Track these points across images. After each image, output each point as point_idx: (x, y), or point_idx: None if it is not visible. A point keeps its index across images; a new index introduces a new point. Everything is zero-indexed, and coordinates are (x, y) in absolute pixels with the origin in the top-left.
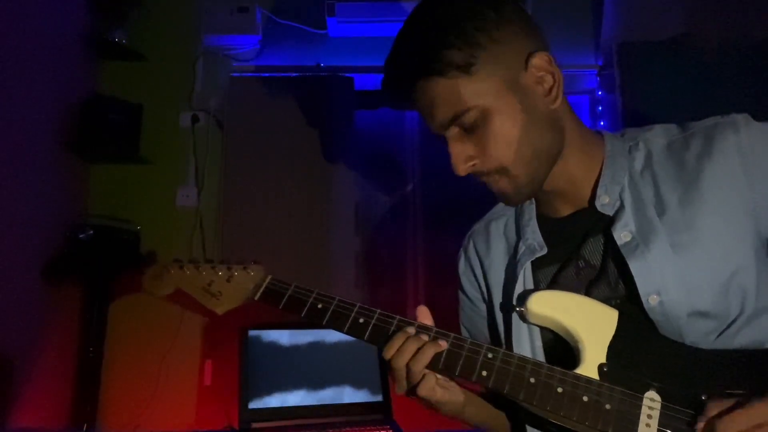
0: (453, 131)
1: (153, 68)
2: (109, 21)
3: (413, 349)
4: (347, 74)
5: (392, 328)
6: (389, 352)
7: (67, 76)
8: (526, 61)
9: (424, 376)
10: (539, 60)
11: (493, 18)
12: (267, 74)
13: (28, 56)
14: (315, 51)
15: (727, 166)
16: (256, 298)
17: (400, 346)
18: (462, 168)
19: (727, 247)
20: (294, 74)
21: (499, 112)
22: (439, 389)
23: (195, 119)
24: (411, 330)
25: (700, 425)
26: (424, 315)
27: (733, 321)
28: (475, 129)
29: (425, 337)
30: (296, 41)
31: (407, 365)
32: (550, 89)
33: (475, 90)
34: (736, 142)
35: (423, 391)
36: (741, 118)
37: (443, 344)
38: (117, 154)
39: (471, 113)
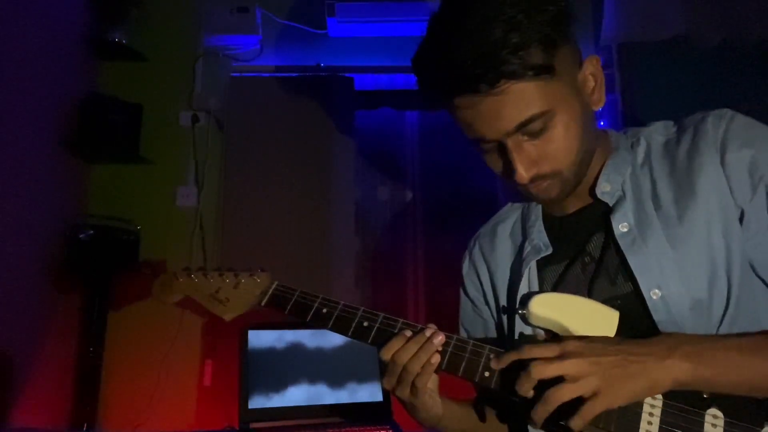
0: (516, 138)
1: (153, 68)
2: (109, 21)
3: (413, 350)
4: (347, 74)
5: (396, 332)
6: (387, 354)
7: (67, 76)
8: (581, 62)
9: (420, 375)
10: (591, 62)
11: (562, 13)
12: (267, 74)
13: (28, 56)
14: (315, 51)
15: (710, 157)
16: (262, 304)
17: (400, 347)
18: (528, 177)
19: (716, 237)
20: (294, 74)
21: (564, 115)
22: (429, 393)
23: (195, 119)
24: (408, 333)
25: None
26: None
27: (725, 313)
28: (538, 134)
29: (422, 339)
30: (296, 41)
31: (404, 366)
32: (593, 89)
33: (548, 93)
34: (716, 134)
35: (420, 382)
36: (727, 112)
37: (440, 339)
38: (117, 154)
39: (540, 120)
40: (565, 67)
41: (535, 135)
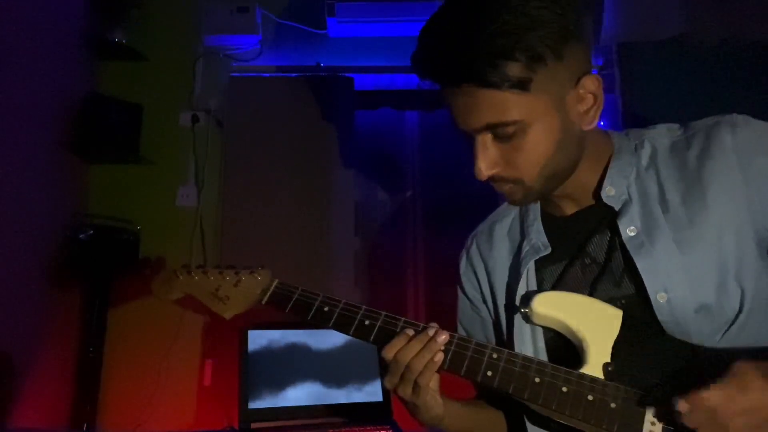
0: (485, 136)
1: (153, 68)
2: (109, 21)
3: (416, 348)
4: (347, 74)
5: (398, 330)
6: (390, 352)
7: (66, 76)
8: (578, 80)
9: (422, 374)
10: (591, 82)
11: (561, 30)
12: (267, 74)
13: (28, 56)
14: (315, 51)
15: (726, 163)
16: (263, 302)
17: (403, 346)
18: (485, 174)
19: (727, 243)
20: (294, 74)
21: (538, 129)
22: (430, 393)
23: (195, 119)
24: (411, 331)
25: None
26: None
27: (735, 318)
28: (508, 139)
29: (425, 338)
30: (296, 41)
31: (407, 364)
32: (588, 110)
33: (524, 106)
34: (733, 140)
35: (423, 381)
36: (741, 118)
37: (444, 338)
38: (117, 154)
39: (511, 126)
40: (551, 84)
41: (504, 139)
